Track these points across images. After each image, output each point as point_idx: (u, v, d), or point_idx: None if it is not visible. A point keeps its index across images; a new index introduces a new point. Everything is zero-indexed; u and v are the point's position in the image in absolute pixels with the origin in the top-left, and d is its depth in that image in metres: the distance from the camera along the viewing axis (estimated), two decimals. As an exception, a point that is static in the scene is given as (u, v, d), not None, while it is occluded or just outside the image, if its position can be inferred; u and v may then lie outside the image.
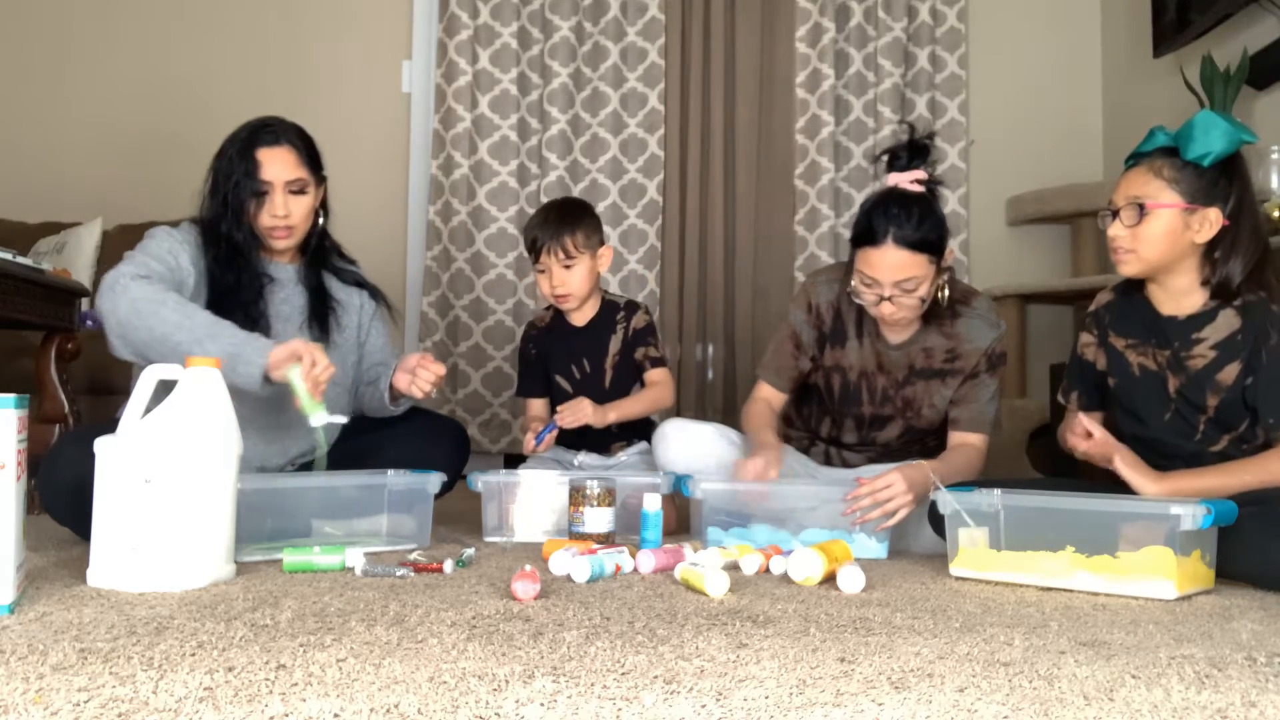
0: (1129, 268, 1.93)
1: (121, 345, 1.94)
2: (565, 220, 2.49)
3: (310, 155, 2.16)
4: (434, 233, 3.86)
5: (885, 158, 2.18)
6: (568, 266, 2.48)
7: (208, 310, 2.00)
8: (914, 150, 2.14)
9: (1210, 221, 1.86)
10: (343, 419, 1.96)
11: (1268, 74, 3.08)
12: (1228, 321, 1.91)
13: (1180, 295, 1.95)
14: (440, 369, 2.17)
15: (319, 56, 4.04)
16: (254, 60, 4.02)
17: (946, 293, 2.17)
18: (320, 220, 2.23)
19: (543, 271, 2.51)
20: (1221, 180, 1.87)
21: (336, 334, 2.24)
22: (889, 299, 2.10)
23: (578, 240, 2.47)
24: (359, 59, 4.05)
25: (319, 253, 2.27)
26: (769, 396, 2.38)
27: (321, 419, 1.90)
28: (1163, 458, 1.95)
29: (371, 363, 2.35)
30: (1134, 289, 2.02)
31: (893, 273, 2.07)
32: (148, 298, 1.90)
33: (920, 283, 2.10)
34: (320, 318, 2.21)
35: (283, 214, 2.11)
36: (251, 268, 2.13)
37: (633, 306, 2.63)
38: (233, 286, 2.09)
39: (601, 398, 2.52)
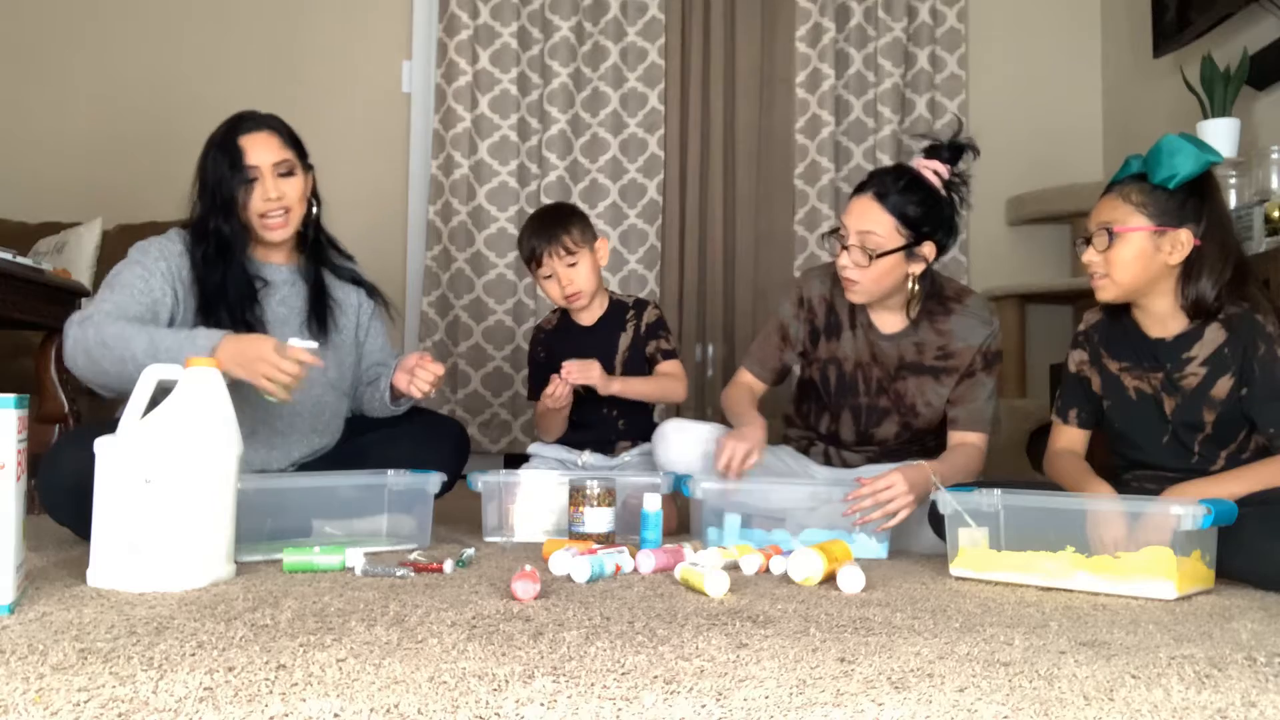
0: (1105, 293, 1.95)
1: (92, 379, 1.92)
2: (556, 221, 2.50)
3: (293, 139, 2.13)
4: (434, 233, 3.85)
5: (923, 143, 2.22)
6: (572, 265, 2.48)
7: (197, 314, 2.01)
8: (950, 146, 2.18)
9: (1181, 243, 1.87)
10: (313, 344, 1.91)
11: (1268, 74, 3.08)
12: (1214, 336, 1.92)
13: (1165, 318, 1.95)
14: (439, 368, 2.16)
15: (319, 56, 4.04)
16: (254, 60, 4.02)
17: (917, 287, 2.17)
18: (314, 209, 2.20)
19: (549, 277, 2.50)
20: (1191, 201, 1.87)
21: (334, 334, 2.22)
22: (847, 249, 2.13)
23: (574, 236, 2.48)
24: (359, 59, 4.04)
25: (316, 248, 2.24)
26: (750, 383, 2.40)
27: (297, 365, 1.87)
28: (1160, 481, 1.95)
29: (371, 363, 2.33)
30: (1120, 311, 2.02)
31: (858, 220, 2.12)
32: (118, 334, 1.88)
33: (881, 244, 2.11)
34: (319, 316, 2.19)
35: (275, 195, 2.07)
36: (239, 266, 2.09)
37: (641, 304, 2.63)
38: (220, 285, 2.06)
39: (610, 397, 2.51)
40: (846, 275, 2.16)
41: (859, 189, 2.17)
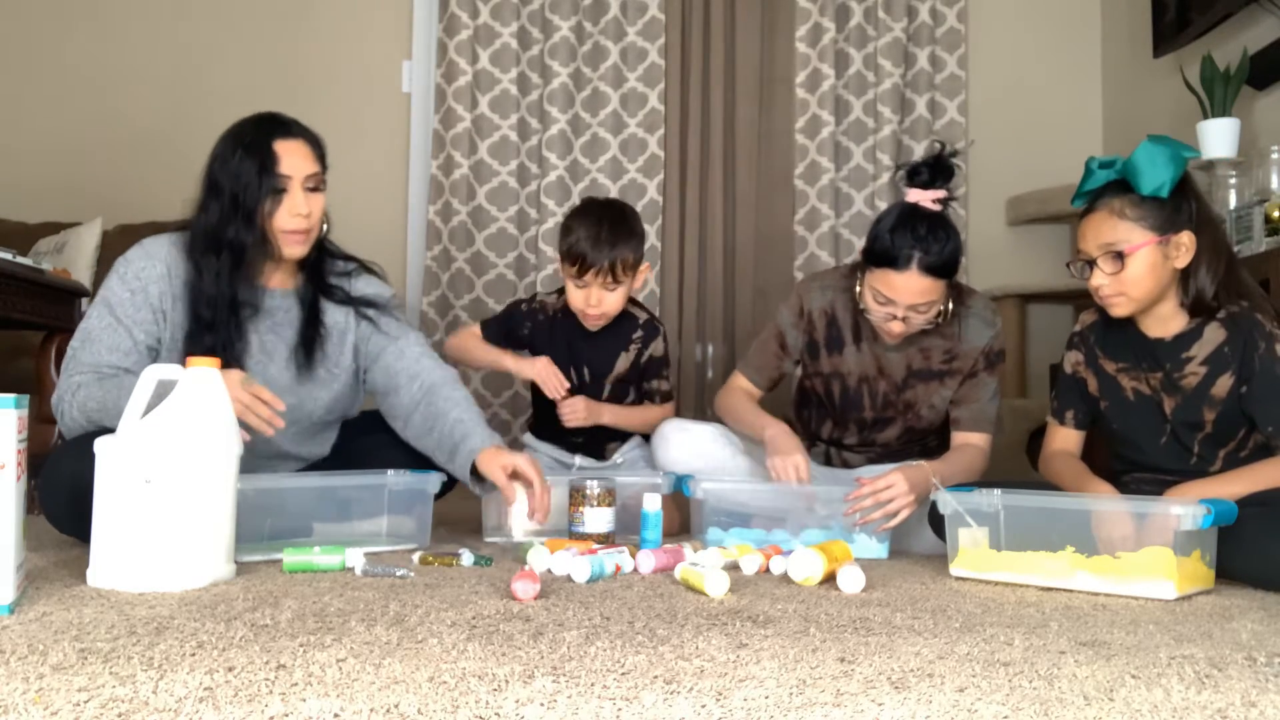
0: (1121, 309, 1.93)
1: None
2: (619, 238, 2.31)
3: (322, 152, 2.02)
4: (434, 233, 3.85)
5: (905, 171, 2.13)
6: (612, 289, 2.33)
7: (186, 337, 1.95)
8: (939, 169, 2.10)
9: (1185, 246, 1.87)
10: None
11: (1268, 74, 3.08)
12: (1214, 335, 1.92)
13: (1166, 319, 1.95)
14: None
15: (319, 56, 4.03)
16: (254, 60, 4.02)
17: (951, 306, 2.17)
18: (325, 228, 2.06)
19: (582, 287, 2.33)
20: (1182, 203, 1.88)
21: (321, 367, 2.09)
22: (901, 319, 2.11)
23: (629, 260, 2.32)
24: (359, 59, 4.04)
25: (317, 269, 2.09)
26: (746, 388, 2.38)
27: None
28: (1158, 481, 1.95)
29: (395, 371, 2.14)
30: None
31: (912, 296, 2.08)
32: (99, 400, 1.85)
33: (935, 304, 2.10)
34: (307, 349, 2.05)
35: (305, 212, 1.93)
36: (250, 284, 1.97)
37: (652, 330, 2.48)
38: (229, 304, 1.94)
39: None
40: (895, 335, 2.17)
41: (893, 262, 2.06)
